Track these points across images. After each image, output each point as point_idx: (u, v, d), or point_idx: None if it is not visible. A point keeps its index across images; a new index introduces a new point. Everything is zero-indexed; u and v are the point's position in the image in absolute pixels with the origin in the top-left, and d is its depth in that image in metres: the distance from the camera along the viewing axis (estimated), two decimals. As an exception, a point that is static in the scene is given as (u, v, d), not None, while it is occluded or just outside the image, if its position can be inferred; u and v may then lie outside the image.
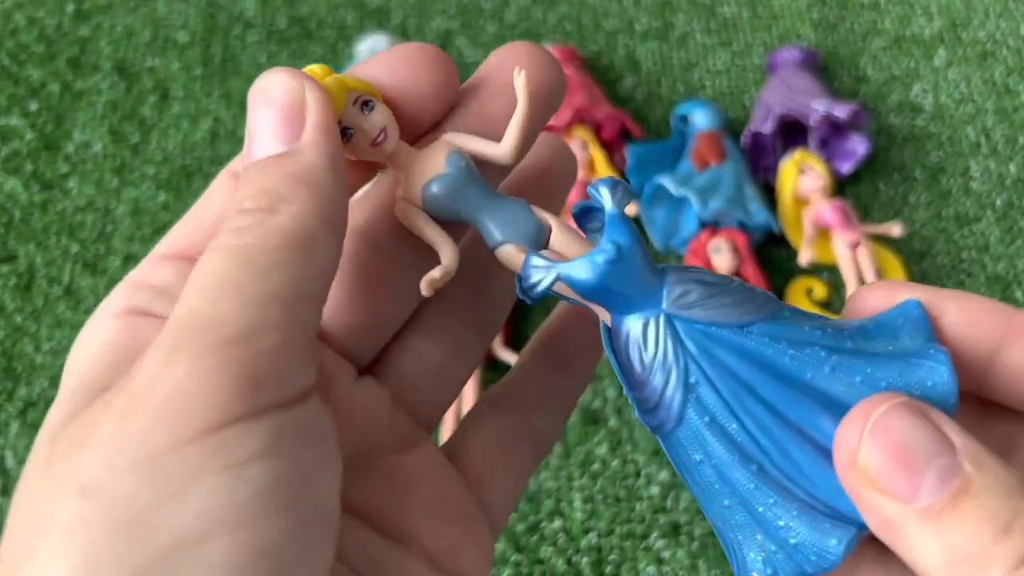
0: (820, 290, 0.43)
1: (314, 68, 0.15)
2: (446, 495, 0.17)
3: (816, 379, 0.15)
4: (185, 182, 0.48)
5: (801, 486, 0.14)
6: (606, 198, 0.15)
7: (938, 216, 0.46)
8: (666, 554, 0.37)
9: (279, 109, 0.15)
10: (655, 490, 0.39)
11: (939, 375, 0.14)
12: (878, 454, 0.13)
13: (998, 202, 0.46)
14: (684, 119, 0.47)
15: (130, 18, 0.54)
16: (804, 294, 0.43)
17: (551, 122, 0.45)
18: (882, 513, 0.13)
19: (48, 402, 0.41)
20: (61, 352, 0.43)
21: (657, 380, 0.15)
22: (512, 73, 0.16)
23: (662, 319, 0.15)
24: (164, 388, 0.12)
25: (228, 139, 0.49)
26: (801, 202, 0.45)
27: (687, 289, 0.15)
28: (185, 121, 0.50)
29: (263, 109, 0.15)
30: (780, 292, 0.44)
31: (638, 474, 0.39)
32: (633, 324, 0.15)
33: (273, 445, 0.12)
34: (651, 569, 0.37)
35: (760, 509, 0.15)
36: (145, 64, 0.52)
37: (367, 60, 0.16)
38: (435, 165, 0.16)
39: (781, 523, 0.14)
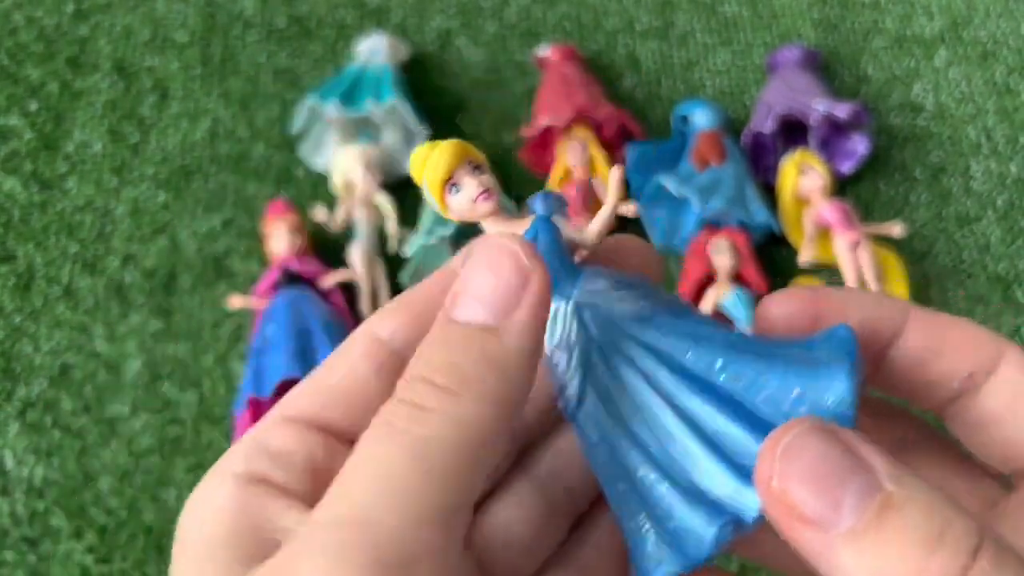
0: (820, 290, 0.43)
1: (446, 145, 0.17)
2: None
3: (709, 374, 0.15)
4: (184, 182, 0.48)
5: (688, 474, 0.15)
6: (539, 207, 0.17)
7: (939, 216, 0.46)
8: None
9: (502, 281, 0.14)
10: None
11: (838, 389, 0.14)
12: (794, 482, 0.13)
13: (999, 202, 0.46)
14: (684, 119, 0.47)
15: (129, 17, 0.54)
16: (804, 294, 0.43)
17: (551, 121, 0.45)
18: (810, 543, 0.12)
19: (47, 402, 0.41)
20: (60, 352, 0.43)
21: (561, 360, 0.16)
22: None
23: (571, 305, 0.16)
24: None
25: (227, 138, 0.49)
26: (802, 202, 0.45)
27: (598, 282, 0.16)
28: (184, 120, 0.50)
29: (485, 271, 0.14)
30: (780, 292, 0.44)
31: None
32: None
33: None
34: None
35: (650, 494, 0.15)
36: (144, 63, 0.52)
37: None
38: (521, 230, 0.17)
39: (668, 509, 0.15)
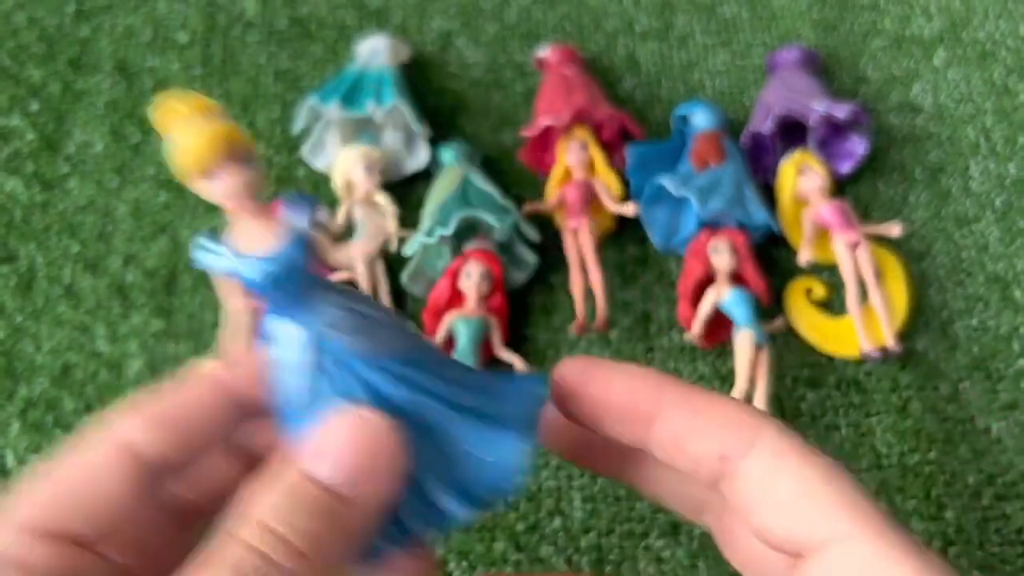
0: (820, 290, 0.43)
1: (196, 103, 0.16)
2: None
3: (417, 423, 0.16)
4: (185, 182, 0.48)
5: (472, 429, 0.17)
6: (295, 216, 0.18)
7: (937, 216, 0.46)
8: (666, 553, 0.38)
9: (367, 454, 0.15)
10: (655, 490, 0.39)
11: (504, 459, 0.16)
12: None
13: (997, 202, 0.47)
14: (684, 119, 0.47)
15: (130, 18, 0.54)
16: (803, 294, 0.44)
17: (551, 121, 0.45)
18: None
19: (49, 402, 0.41)
20: (62, 352, 0.43)
21: (292, 380, 0.16)
22: None
23: (307, 333, 0.16)
24: None
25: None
26: (801, 202, 0.45)
27: (342, 315, 0.17)
28: (185, 121, 0.50)
29: (347, 432, 0.15)
30: (780, 292, 0.44)
31: (638, 474, 0.39)
32: (283, 328, 0.17)
33: None
34: (651, 568, 0.37)
35: (456, 439, 0.17)
36: (145, 64, 0.52)
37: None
38: (271, 231, 0.17)
39: (479, 434, 0.17)
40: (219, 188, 0.16)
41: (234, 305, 0.18)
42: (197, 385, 0.17)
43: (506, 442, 0.16)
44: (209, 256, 0.17)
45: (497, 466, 0.16)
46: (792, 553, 0.16)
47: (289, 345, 0.16)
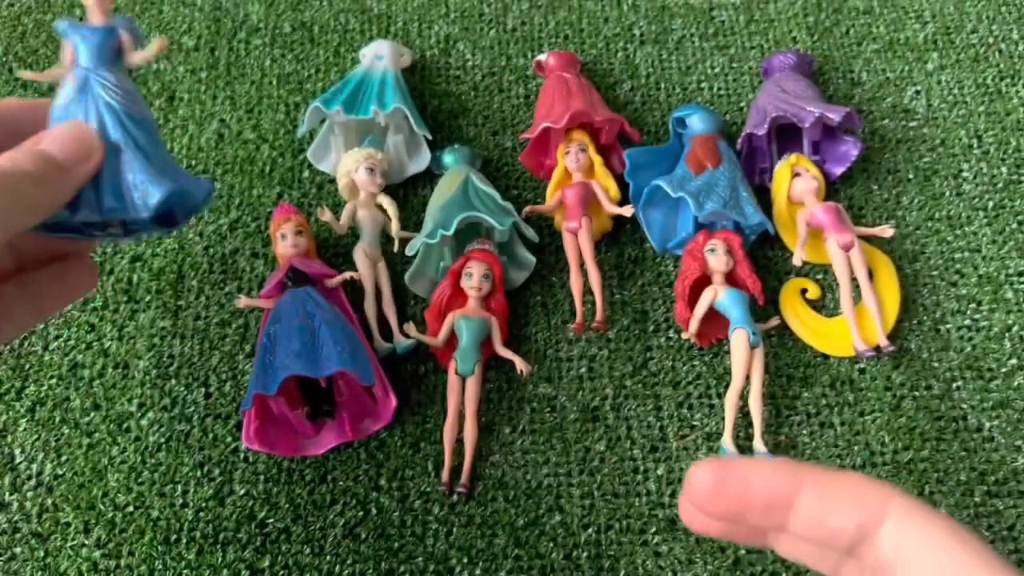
0: (814, 290, 0.44)
1: None
2: None
3: (114, 149, 0.26)
4: (191, 184, 0.49)
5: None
6: (120, 21, 0.28)
7: (930, 218, 0.47)
8: (663, 548, 0.38)
9: (77, 141, 0.25)
10: (652, 486, 0.40)
11: (145, 189, 0.26)
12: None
13: (990, 204, 0.47)
14: (681, 122, 0.47)
15: (136, 22, 0.55)
16: (798, 294, 0.44)
17: (550, 125, 0.46)
18: None
19: (56, 400, 0.42)
20: (68, 350, 0.43)
21: (59, 102, 0.26)
22: None
23: (85, 74, 0.27)
24: None
25: (234, 141, 0.50)
26: (795, 204, 0.45)
27: (115, 79, 0.27)
28: (191, 124, 0.51)
29: (73, 131, 0.25)
30: (775, 292, 0.44)
31: (636, 470, 0.40)
32: (76, 72, 0.27)
33: None
34: (649, 563, 0.38)
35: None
36: (151, 68, 0.53)
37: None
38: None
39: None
40: None
41: (63, 60, 0.27)
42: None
43: (155, 183, 0.25)
44: (66, 26, 0.27)
45: (139, 191, 0.25)
46: None
47: (71, 81, 0.26)
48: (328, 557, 0.38)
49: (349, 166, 0.45)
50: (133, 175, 0.25)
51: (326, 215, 0.44)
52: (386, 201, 0.45)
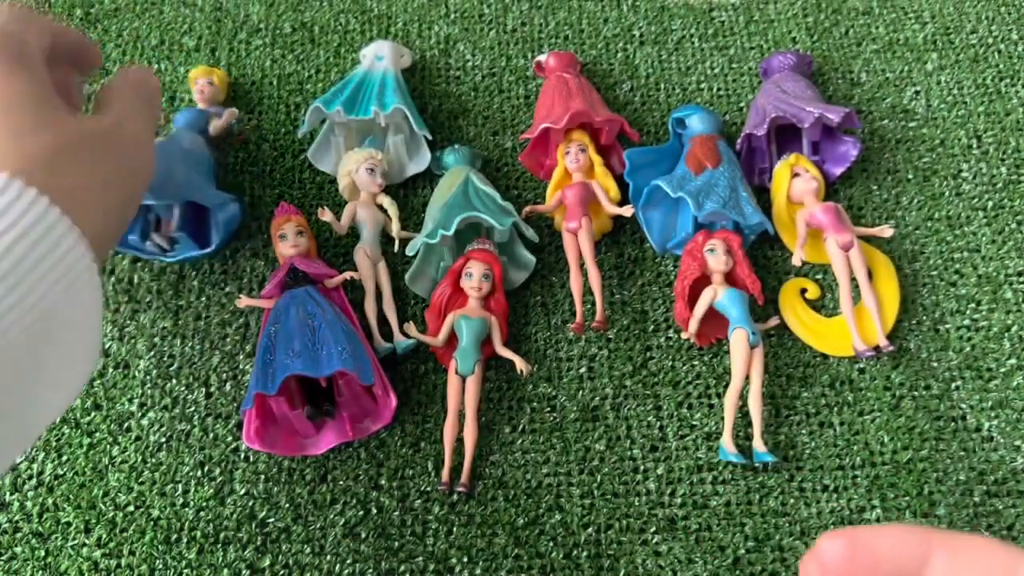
0: (813, 290, 0.44)
1: None
2: None
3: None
4: (191, 184, 0.49)
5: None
6: None
7: (930, 218, 0.47)
8: (663, 548, 0.38)
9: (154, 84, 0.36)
10: (652, 485, 0.40)
11: None
12: None
13: (989, 204, 0.47)
14: (680, 123, 0.47)
15: (137, 23, 0.55)
16: (797, 294, 0.44)
17: (549, 125, 0.46)
18: None
19: (58, 399, 0.42)
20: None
21: None
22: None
23: None
24: None
25: (234, 141, 0.50)
26: (794, 204, 0.46)
27: None
28: (191, 124, 0.51)
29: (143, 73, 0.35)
30: (774, 292, 0.44)
31: (636, 469, 0.40)
32: None
33: None
34: (648, 563, 0.38)
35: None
36: (152, 68, 0.53)
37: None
38: None
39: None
40: None
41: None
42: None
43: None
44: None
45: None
46: None
47: None
48: (328, 557, 0.38)
49: (350, 166, 0.45)
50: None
51: (327, 215, 0.44)
52: (386, 201, 0.45)
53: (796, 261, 0.43)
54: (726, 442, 0.40)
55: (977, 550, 0.19)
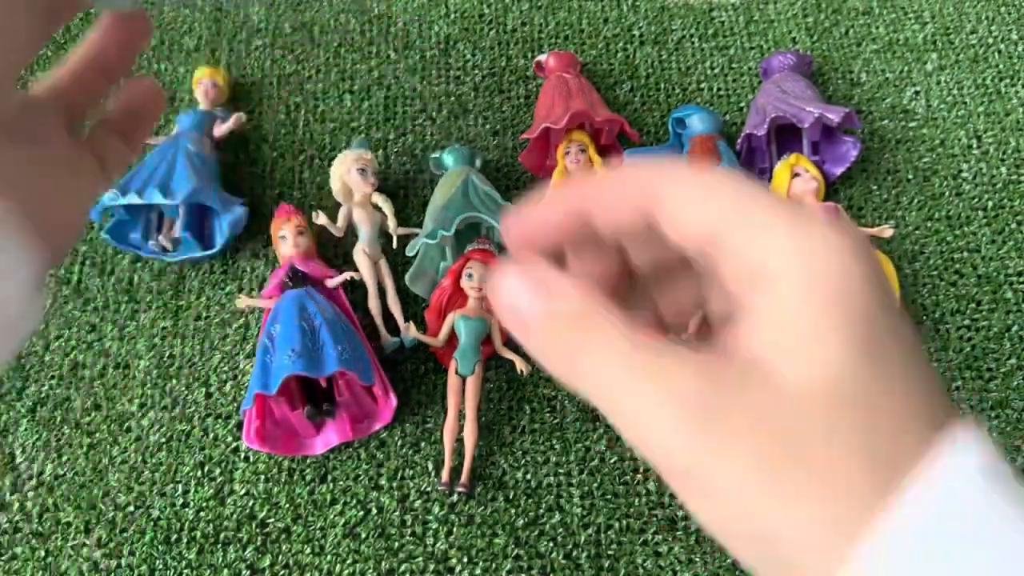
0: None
1: None
2: None
3: None
4: (191, 184, 0.49)
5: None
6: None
7: (930, 218, 0.47)
8: (663, 548, 0.38)
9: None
10: (652, 485, 0.40)
11: None
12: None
13: (989, 204, 0.47)
14: (680, 123, 0.47)
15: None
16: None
17: (550, 125, 0.46)
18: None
19: (57, 400, 0.42)
20: (69, 351, 0.43)
21: None
22: None
23: None
24: None
25: (235, 141, 0.50)
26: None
27: None
28: (191, 125, 0.51)
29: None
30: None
31: (636, 470, 0.40)
32: None
33: None
34: (648, 563, 0.38)
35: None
36: (152, 68, 0.53)
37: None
38: None
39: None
40: None
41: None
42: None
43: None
44: None
45: None
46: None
47: None
48: (328, 557, 0.38)
49: (340, 170, 0.45)
50: None
51: (322, 219, 0.44)
52: (380, 199, 0.45)
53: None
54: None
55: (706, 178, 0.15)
